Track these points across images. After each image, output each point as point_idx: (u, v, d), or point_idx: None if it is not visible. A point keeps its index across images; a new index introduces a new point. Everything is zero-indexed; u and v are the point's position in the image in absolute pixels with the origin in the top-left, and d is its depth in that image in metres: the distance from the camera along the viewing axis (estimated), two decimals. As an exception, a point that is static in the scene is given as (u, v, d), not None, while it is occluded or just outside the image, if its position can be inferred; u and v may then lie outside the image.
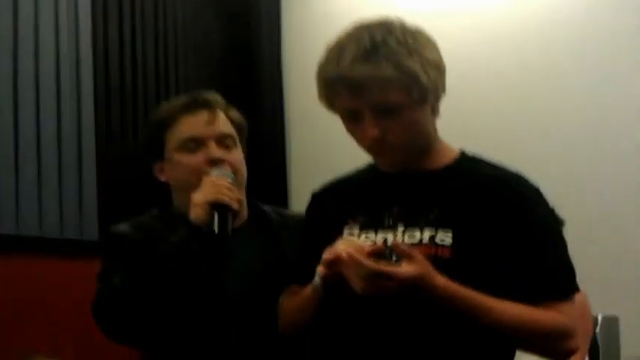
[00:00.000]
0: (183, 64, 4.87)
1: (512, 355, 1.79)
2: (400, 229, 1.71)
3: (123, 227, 2.04)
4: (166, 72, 4.77)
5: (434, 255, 1.65)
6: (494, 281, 1.66)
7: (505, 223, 1.68)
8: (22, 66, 4.01)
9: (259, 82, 5.29)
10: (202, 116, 2.04)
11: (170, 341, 1.97)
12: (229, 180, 1.94)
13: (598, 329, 3.62)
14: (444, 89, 1.72)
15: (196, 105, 2.05)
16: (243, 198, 2.06)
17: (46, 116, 4.07)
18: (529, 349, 1.89)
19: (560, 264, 1.72)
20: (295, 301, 1.81)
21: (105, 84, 4.43)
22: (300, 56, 5.34)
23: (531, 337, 1.69)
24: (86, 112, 4.28)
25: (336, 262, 1.60)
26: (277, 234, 2.07)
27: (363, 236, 1.73)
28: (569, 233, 1.86)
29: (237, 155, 2.06)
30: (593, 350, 3.55)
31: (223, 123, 2.06)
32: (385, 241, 1.70)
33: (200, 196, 1.89)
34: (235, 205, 1.90)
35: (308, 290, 1.72)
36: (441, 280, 1.58)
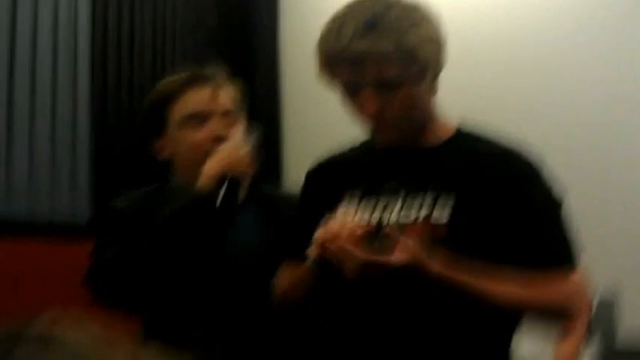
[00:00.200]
0: (181, 41, 4.86)
1: (512, 334, 1.78)
2: (397, 205, 1.70)
3: (119, 202, 2.01)
4: (163, 49, 4.75)
5: (432, 231, 1.65)
6: (491, 257, 1.65)
7: (502, 197, 1.68)
8: (20, 41, 3.99)
9: (255, 60, 5.28)
10: (206, 91, 2.00)
11: (167, 308, 1.95)
12: (250, 145, 1.91)
13: (595, 308, 3.63)
14: (443, 64, 1.71)
15: (199, 80, 2.01)
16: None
17: (41, 94, 4.05)
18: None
19: (558, 236, 1.71)
20: (290, 277, 1.81)
21: (102, 63, 4.42)
22: (297, 37, 5.32)
23: (531, 314, 1.71)
24: (81, 92, 4.26)
25: (326, 245, 1.60)
26: (274, 211, 2.05)
27: (359, 212, 1.73)
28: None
29: (241, 129, 2.01)
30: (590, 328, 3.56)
31: (226, 97, 2.02)
32: (379, 221, 1.70)
33: (213, 167, 1.86)
34: (246, 180, 1.89)
35: (302, 267, 1.73)
36: (435, 267, 1.58)
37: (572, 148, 4.42)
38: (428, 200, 1.68)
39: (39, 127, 4.04)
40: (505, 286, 1.62)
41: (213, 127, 1.97)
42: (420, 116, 1.73)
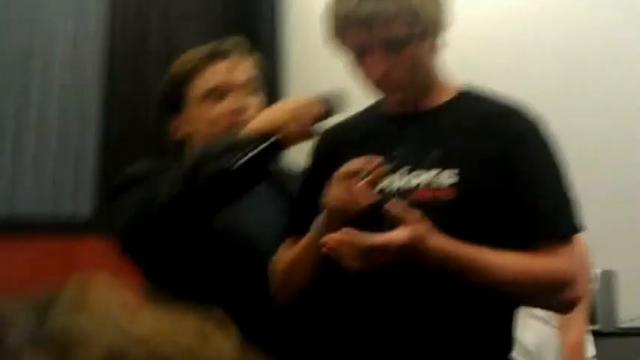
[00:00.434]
0: (186, 29, 4.87)
1: (513, 320, 1.78)
2: (404, 170, 1.72)
3: (135, 168, 1.98)
4: (170, 38, 4.77)
5: (436, 198, 1.66)
6: (495, 222, 1.66)
7: (505, 158, 1.69)
8: (35, 42, 4.00)
9: (259, 47, 5.29)
10: (226, 65, 1.99)
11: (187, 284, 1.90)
12: (319, 110, 1.80)
13: (596, 284, 3.63)
14: (445, 24, 1.75)
15: (219, 54, 2.00)
16: None
17: (50, 91, 4.07)
18: (531, 302, 1.89)
19: (557, 200, 1.71)
20: (290, 257, 1.80)
21: (111, 57, 4.44)
22: (300, 25, 5.32)
23: (532, 290, 1.67)
24: (91, 83, 4.28)
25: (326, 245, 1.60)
26: (285, 188, 2.03)
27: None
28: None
29: (260, 99, 2.02)
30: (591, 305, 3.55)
31: (246, 69, 2.01)
32: (385, 188, 1.71)
33: (266, 119, 1.78)
34: (286, 143, 1.77)
35: (304, 245, 1.74)
36: (437, 241, 1.58)
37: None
38: (433, 163, 1.71)
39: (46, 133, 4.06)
40: (507, 257, 1.62)
41: (232, 100, 1.96)
42: (425, 76, 1.78)
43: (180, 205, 1.75)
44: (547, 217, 1.68)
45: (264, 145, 1.74)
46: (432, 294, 1.66)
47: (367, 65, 1.73)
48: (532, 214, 1.68)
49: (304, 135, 1.79)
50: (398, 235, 1.54)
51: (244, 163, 1.71)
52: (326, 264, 1.65)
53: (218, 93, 1.96)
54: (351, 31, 1.71)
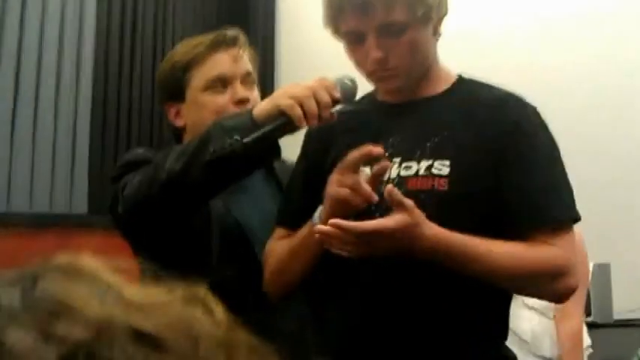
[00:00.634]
0: (181, 21, 4.87)
1: (507, 309, 1.78)
2: (397, 160, 1.70)
3: (135, 152, 1.96)
4: (163, 41, 4.76)
5: (431, 187, 1.64)
6: (490, 210, 1.65)
7: (500, 147, 1.66)
8: (26, 40, 3.99)
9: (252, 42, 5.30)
10: (229, 54, 1.98)
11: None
12: (335, 94, 1.69)
13: (590, 277, 3.63)
14: (446, 10, 1.73)
15: (224, 44, 1.99)
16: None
17: (42, 88, 4.06)
18: (525, 291, 1.87)
19: (554, 188, 1.69)
20: (287, 245, 1.77)
21: (104, 52, 4.44)
22: (293, 15, 5.32)
23: (527, 279, 1.64)
24: (83, 82, 4.27)
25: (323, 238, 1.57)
26: (278, 177, 2.03)
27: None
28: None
29: (257, 93, 2.01)
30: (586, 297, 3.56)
31: (247, 61, 2.01)
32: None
33: (281, 99, 1.67)
34: (301, 123, 1.65)
35: (303, 233, 1.70)
36: (431, 229, 1.56)
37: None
38: (429, 151, 1.68)
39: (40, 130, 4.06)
40: (501, 246, 1.60)
41: (236, 90, 1.95)
42: (424, 62, 1.74)
43: (188, 177, 1.70)
44: (543, 204, 1.66)
45: (280, 122, 1.65)
46: (425, 282, 1.64)
47: (363, 51, 1.69)
48: (528, 201, 1.65)
49: (322, 116, 1.66)
50: (392, 220, 1.52)
51: (257, 139, 1.63)
52: (325, 254, 1.63)
53: (222, 82, 1.95)
54: (348, 15, 1.67)
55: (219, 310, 0.57)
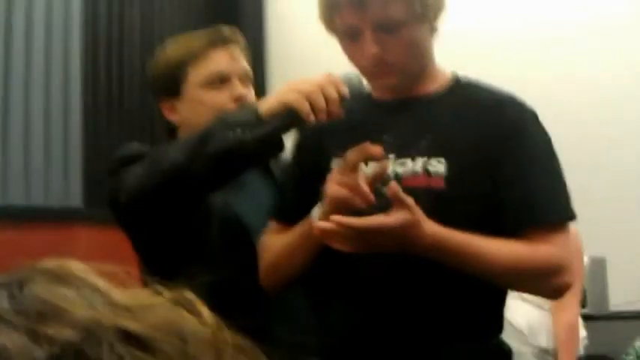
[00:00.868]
0: (170, 20, 4.87)
1: (503, 302, 1.78)
2: (391, 157, 1.69)
3: (130, 147, 1.94)
4: (152, 36, 4.77)
5: (427, 185, 1.64)
6: (487, 209, 1.65)
7: (497, 147, 1.66)
8: (15, 32, 4.00)
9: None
10: (227, 51, 1.97)
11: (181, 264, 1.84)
12: (343, 90, 1.66)
13: (585, 271, 3.64)
14: (445, 7, 1.71)
15: (222, 41, 1.98)
16: None
17: (34, 82, 4.07)
18: (522, 288, 1.88)
19: (550, 188, 1.69)
20: (285, 241, 1.76)
21: (93, 47, 4.45)
22: (283, 16, 5.32)
23: (523, 276, 1.65)
24: (74, 75, 4.28)
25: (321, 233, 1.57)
26: (276, 175, 2.02)
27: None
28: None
29: (252, 92, 2.01)
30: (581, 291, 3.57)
31: (244, 59, 2.00)
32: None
33: (285, 94, 1.65)
34: (310, 119, 1.62)
35: (301, 229, 1.69)
36: (430, 227, 1.56)
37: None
38: (424, 148, 1.68)
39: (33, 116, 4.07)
40: (498, 244, 1.61)
41: (234, 87, 1.95)
42: (420, 60, 1.73)
43: (191, 169, 1.69)
44: (540, 204, 1.66)
45: (288, 117, 1.62)
46: (423, 278, 1.65)
47: (359, 47, 1.67)
48: (525, 201, 1.65)
49: (330, 112, 1.63)
50: (392, 217, 1.52)
51: (267, 133, 1.62)
52: (325, 249, 1.63)
53: (220, 79, 1.95)
54: (344, 11, 1.65)
55: (206, 312, 0.57)
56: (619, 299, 4.19)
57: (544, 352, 3.33)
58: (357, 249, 1.56)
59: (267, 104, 1.65)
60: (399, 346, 1.67)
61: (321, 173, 1.72)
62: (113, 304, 0.54)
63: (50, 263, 0.57)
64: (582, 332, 3.38)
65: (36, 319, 0.51)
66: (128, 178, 1.79)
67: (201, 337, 0.55)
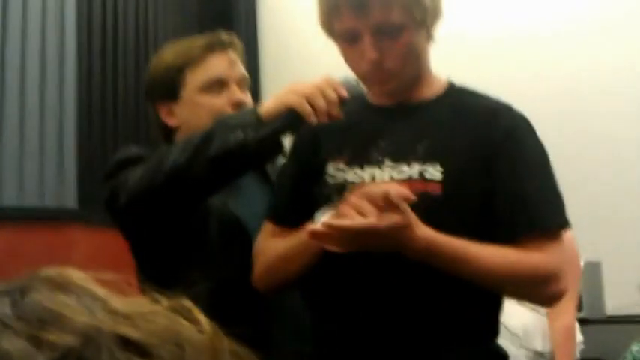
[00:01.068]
0: (163, 26, 4.88)
1: (499, 307, 1.78)
2: (388, 164, 1.69)
3: (128, 150, 1.96)
4: (146, 37, 4.77)
5: (424, 191, 1.64)
6: (482, 216, 1.65)
7: (492, 154, 1.67)
8: (9, 38, 4.00)
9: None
10: (226, 57, 1.99)
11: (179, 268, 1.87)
12: (343, 92, 1.67)
13: (580, 275, 3.65)
14: (441, 14, 1.72)
15: (220, 46, 2.00)
16: None
17: (29, 84, 4.07)
18: (515, 295, 1.88)
19: (544, 196, 1.69)
20: (284, 245, 1.75)
21: (88, 49, 4.45)
22: (275, 20, 5.33)
23: (516, 283, 1.66)
24: (69, 77, 4.29)
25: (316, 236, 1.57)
26: (269, 176, 2.03)
27: (350, 172, 1.72)
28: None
29: (250, 97, 2.02)
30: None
31: (241, 65, 2.02)
32: (373, 178, 1.69)
33: (286, 95, 1.66)
34: (311, 119, 1.64)
35: (302, 235, 1.66)
36: (423, 231, 1.56)
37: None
38: (420, 155, 1.68)
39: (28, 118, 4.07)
40: (492, 250, 1.61)
41: (232, 92, 1.96)
42: (417, 66, 1.73)
43: (191, 170, 1.70)
44: (534, 213, 1.66)
45: (289, 118, 1.64)
46: (418, 279, 1.65)
47: (358, 51, 1.67)
48: (519, 209, 1.66)
49: (330, 114, 1.64)
50: (384, 220, 1.52)
51: (269, 134, 1.63)
52: (324, 254, 1.63)
53: (218, 84, 1.96)
54: (344, 14, 1.65)
55: (203, 319, 0.58)
56: (614, 303, 4.20)
57: (539, 355, 3.33)
58: (350, 250, 1.56)
59: (267, 106, 1.67)
60: (394, 350, 1.67)
61: (316, 175, 1.73)
62: (113, 312, 0.55)
63: (51, 271, 0.58)
64: (579, 336, 3.38)
65: (37, 325, 0.52)
66: (128, 180, 1.80)
67: (198, 344, 0.56)
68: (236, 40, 2.04)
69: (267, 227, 1.82)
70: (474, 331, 1.71)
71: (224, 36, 2.02)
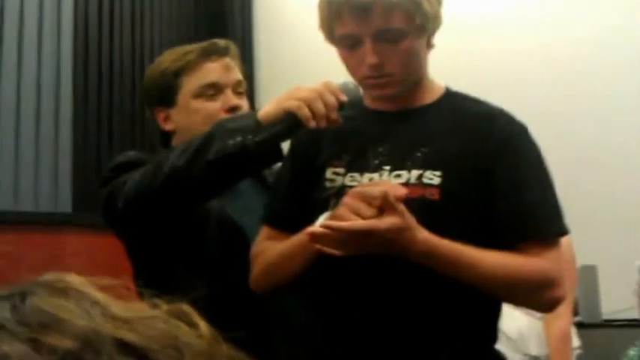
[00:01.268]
0: (158, 33, 4.90)
1: (498, 311, 1.78)
2: (386, 169, 1.69)
3: (127, 155, 1.98)
4: (142, 44, 4.79)
5: (422, 196, 1.64)
6: (480, 221, 1.65)
7: (491, 160, 1.67)
8: (6, 39, 4.01)
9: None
10: (221, 63, 2.02)
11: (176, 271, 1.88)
12: (342, 97, 1.67)
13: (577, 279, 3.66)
14: (441, 22, 1.73)
15: (216, 51, 2.02)
16: None
17: (25, 89, 4.08)
18: (513, 301, 1.88)
19: (543, 202, 1.69)
20: (281, 248, 1.75)
21: (84, 54, 4.47)
22: (270, 25, 5.33)
23: (515, 289, 1.66)
24: (65, 83, 4.30)
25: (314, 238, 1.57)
26: (267, 180, 2.04)
27: (348, 177, 1.72)
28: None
29: (247, 103, 2.05)
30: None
31: (238, 71, 2.05)
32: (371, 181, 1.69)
33: (286, 100, 1.67)
34: (310, 124, 1.64)
35: (300, 238, 1.67)
36: (422, 234, 1.56)
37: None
38: (419, 161, 1.68)
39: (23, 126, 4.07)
40: (491, 256, 1.61)
41: (228, 98, 1.99)
42: (417, 71, 1.74)
43: (190, 173, 1.71)
44: (533, 219, 1.66)
45: (288, 122, 1.65)
46: (417, 284, 1.65)
47: (358, 56, 1.68)
48: (518, 215, 1.66)
49: (329, 118, 1.65)
50: (383, 222, 1.53)
51: (265, 138, 1.64)
52: (321, 258, 1.63)
53: (214, 89, 1.99)
54: (346, 19, 1.66)
55: (202, 325, 0.59)
56: (610, 307, 4.20)
57: (534, 359, 3.34)
58: (349, 252, 1.56)
59: (267, 110, 1.67)
60: (392, 354, 1.67)
61: (314, 180, 1.73)
62: (112, 316, 0.56)
63: (51, 276, 0.59)
64: (575, 341, 3.38)
65: (37, 329, 0.53)
66: (126, 183, 1.81)
67: (197, 349, 0.56)
68: (232, 47, 2.06)
69: (264, 230, 1.83)
70: (473, 336, 1.71)
71: (220, 42, 2.05)
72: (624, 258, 4.23)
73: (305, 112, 1.61)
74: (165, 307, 0.58)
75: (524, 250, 1.64)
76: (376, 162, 1.71)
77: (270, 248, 1.78)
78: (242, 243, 1.90)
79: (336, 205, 1.63)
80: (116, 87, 4.66)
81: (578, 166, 4.42)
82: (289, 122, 1.64)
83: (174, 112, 2.03)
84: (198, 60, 2.00)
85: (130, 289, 0.61)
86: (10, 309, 0.55)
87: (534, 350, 3.33)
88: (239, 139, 1.64)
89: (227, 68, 2.01)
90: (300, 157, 1.84)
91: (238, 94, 2.02)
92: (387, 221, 1.52)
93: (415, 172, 1.67)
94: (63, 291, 0.57)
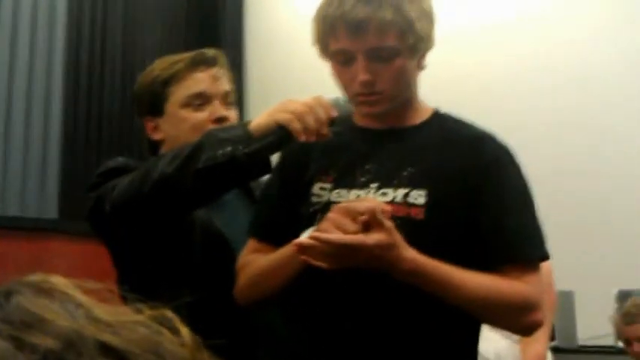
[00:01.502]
0: (149, 39, 4.90)
1: (478, 332, 1.79)
2: (373, 187, 1.71)
3: (116, 161, 1.97)
4: (133, 51, 4.79)
5: (407, 215, 1.66)
6: (464, 243, 1.67)
7: (476, 182, 1.68)
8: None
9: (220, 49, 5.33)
10: (209, 73, 2.02)
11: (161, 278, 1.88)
12: (332, 112, 1.68)
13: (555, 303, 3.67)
14: (433, 43, 1.74)
15: (204, 62, 2.02)
16: None
17: (15, 94, 4.08)
18: (493, 322, 1.88)
19: (527, 227, 1.71)
20: (267, 260, 1.76)
21: (75, 60, 4.47)
22: (261, 37, 5.33)
23: (496, 311, 1.67)
24: (55, 89, 4.30)
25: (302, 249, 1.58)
26: (253, 193, 2.06)
27: (334, 193, 1.73)
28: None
29: (236, 113, 2.05)
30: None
31: (226, 81, 2.04)
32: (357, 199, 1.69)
33: (278, 113, 1.67)
34: (300, 137, 1.65)
35: (286, 251, 1.68)
36: (409, 252, 1.57)
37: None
38: (406, 180, 1.69)
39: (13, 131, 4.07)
40: (474, 277, 1.62)
41: (215, 108, 1.99)
42: (407, 91, 1.75)
43: (179, 181, 1.71)
44: (515, 243, 1.68)
45: (279, 135, 1.65)
46: (401, 300, 1.66)
47: (350, 73, 1.69)
48: (501, 239, 1.67)
49: (319, 133, 1.66)
50: (371, 238, 1.54)
51: (255, 150, 1.65)
52: (306, 271, 1.64)
53: (201, 100, 1.99)
54: (340, 35, 1.67)
55: (185, 331, 0.59)
56: (587, 333, 4.22)
57: (511, 382, 3.34)
58: (335, 265, 1.56)
59: (258, 122, 1.68)
60: None
61: (301, 194, 1.74)
62: (95, 319, 0.56)
63: (36, 277, 0.59)
64: (551, 365, 3.40)
65: (20, 327, 0.53)
66: (115, 188, 1.80)
67: (178, 355, 0.57)
68: (221, 57, 2.06)
69: (251, 243, 1.83)
70: (453, 356, 1.72)
71: (209, 52, 2.05)
72: (602, 285, 4.27)
73: (296, 125, 1.63)
74: (148, 312, 0.59)
75: (506, 272, 1.65)
76: (363, 179, 1.72)
77: (256, 260, 1.79)
78: (227, 253, 1.90)
79: (321, 220, 1.63)
80: (106, 94, 4.66)
81: (557, 191, 4.44)
82: (280, 135, 1.65)
83: (162, 122, 2.03)
84: (186, 70, 2.01)
85: (114, 293, 0.61)
86: None
87: (511, 373, 3.34)
88: (229, 149, 1.65)
89: (215, 78, 2.01)
90: (288, 170, 1.85)
91: (227, 104, 2.02)
92: (375, 237, 1.53)
93: (401, 191, 1.68)
94: (48, 292, 0.57)
